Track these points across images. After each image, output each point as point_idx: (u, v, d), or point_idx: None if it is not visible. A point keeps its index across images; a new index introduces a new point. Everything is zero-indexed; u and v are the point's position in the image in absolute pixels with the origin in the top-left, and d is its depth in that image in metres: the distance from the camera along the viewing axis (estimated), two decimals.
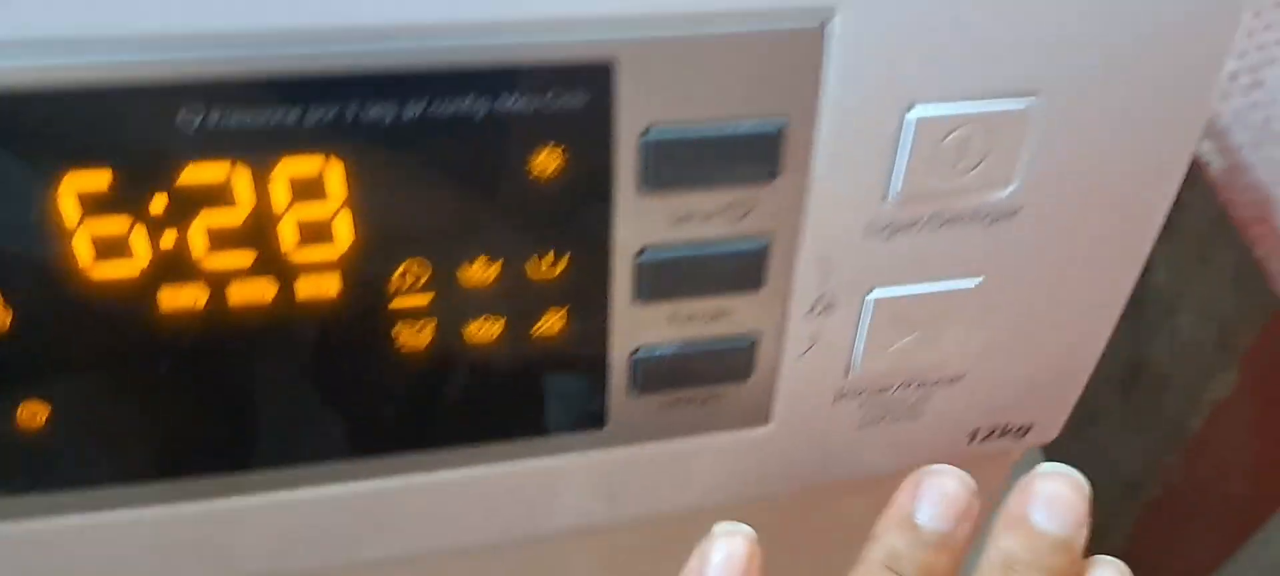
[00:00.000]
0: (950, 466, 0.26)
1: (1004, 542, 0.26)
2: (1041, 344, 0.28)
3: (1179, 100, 0.24)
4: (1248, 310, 0.67)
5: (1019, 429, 0.31)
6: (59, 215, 0.21)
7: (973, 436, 0.30)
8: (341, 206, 0.22)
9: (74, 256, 0.21)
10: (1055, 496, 0.25)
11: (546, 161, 0.22)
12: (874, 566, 0.26)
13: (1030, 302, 0.27)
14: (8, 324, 0.22)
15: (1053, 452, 0.94)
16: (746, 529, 0.25)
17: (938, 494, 0.26)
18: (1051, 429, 0.31)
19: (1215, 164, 0.50)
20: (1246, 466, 0.74)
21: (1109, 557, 0.27)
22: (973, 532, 0.26)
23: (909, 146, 0.23)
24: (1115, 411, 0.86)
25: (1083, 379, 0.30)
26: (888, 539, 0.26)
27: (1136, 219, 0.26)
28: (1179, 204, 0.39)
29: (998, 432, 0.30)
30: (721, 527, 0.25)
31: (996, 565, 0.26)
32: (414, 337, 0.24)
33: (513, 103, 0.21)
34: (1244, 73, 0.49)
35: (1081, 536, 0.26)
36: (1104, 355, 0.31)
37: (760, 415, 0.27)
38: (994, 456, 0.32)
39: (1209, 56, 0.23)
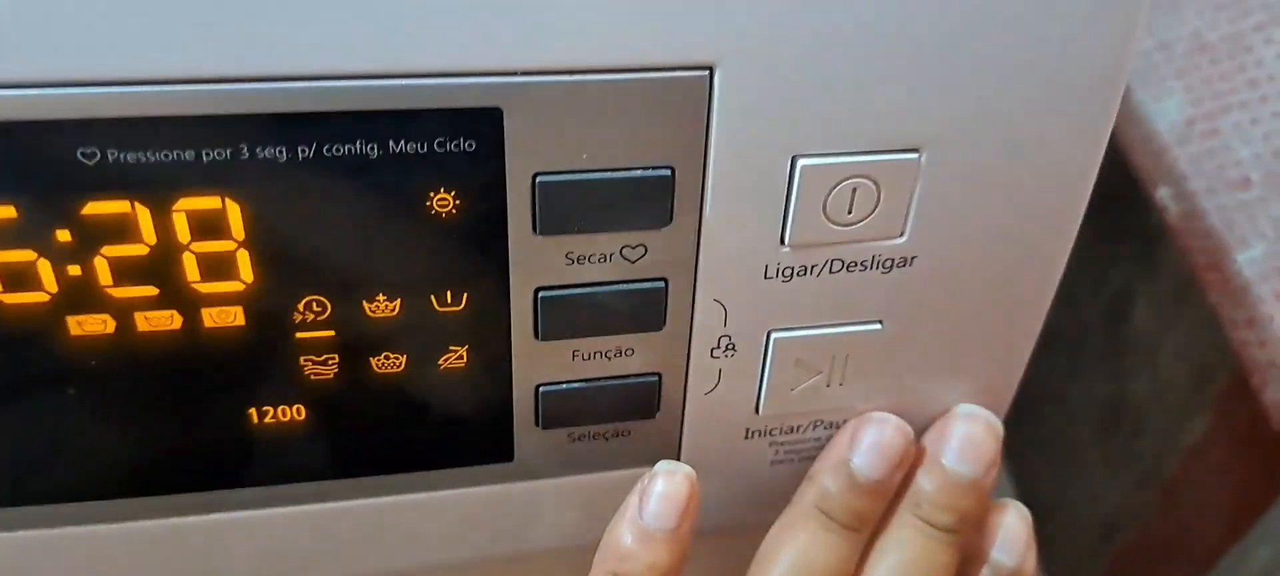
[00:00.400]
0: (890, 414, 0.27)
1: (916, 483, 0.27)
2: (951, 386, 0.29)
3: (1067, 150, 0.24)
4: (1222, 352, 0.67)
5: None
6: None
7: None
8: (241, 243, 0.23)
9: None
10: (968, 438, 0.27)
11: (442, 203, 0.23)
12: (806, 507, 0.27)
13: (936, 346, 0.27)
14: None
15: (1029, 491, 0.95)
16: (687, 467, 0.26)
17: (875, 441, 0.27)
18: None
19: (1172, 210, 0.50)
20: (1219, 507, 0.74)
21: (1014, 501, 0.28)
22: (904, 480, 0.27)
23: (797, 195, 0.23)
24: (1093, 452, 0.86)
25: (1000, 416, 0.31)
26: (822, 481, 0.27)
27: (1035, 263, 0.26)
28: (1160, 244, 0.39)
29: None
30: (663, 465, 0.26)
31: (908, 504, 0.27)
32: (319, 369, 0.25)
33: (406, 146, 0.22)
34: (1200, 120, 0.50)
35: (990, 477, 0.27)
36: (1082, 395, 0.32)
37: (669, 452, 0.28)
38: None
39: (1097, 109, 0.24)
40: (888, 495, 0.27)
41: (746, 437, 0.28)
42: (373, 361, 0.25)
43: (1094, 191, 0.25)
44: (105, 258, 0.22)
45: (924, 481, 0.27)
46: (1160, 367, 0.80)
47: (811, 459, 0.29)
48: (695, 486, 0.26)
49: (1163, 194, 0.50)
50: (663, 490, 0.25)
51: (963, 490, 0.27)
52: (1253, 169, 0.47)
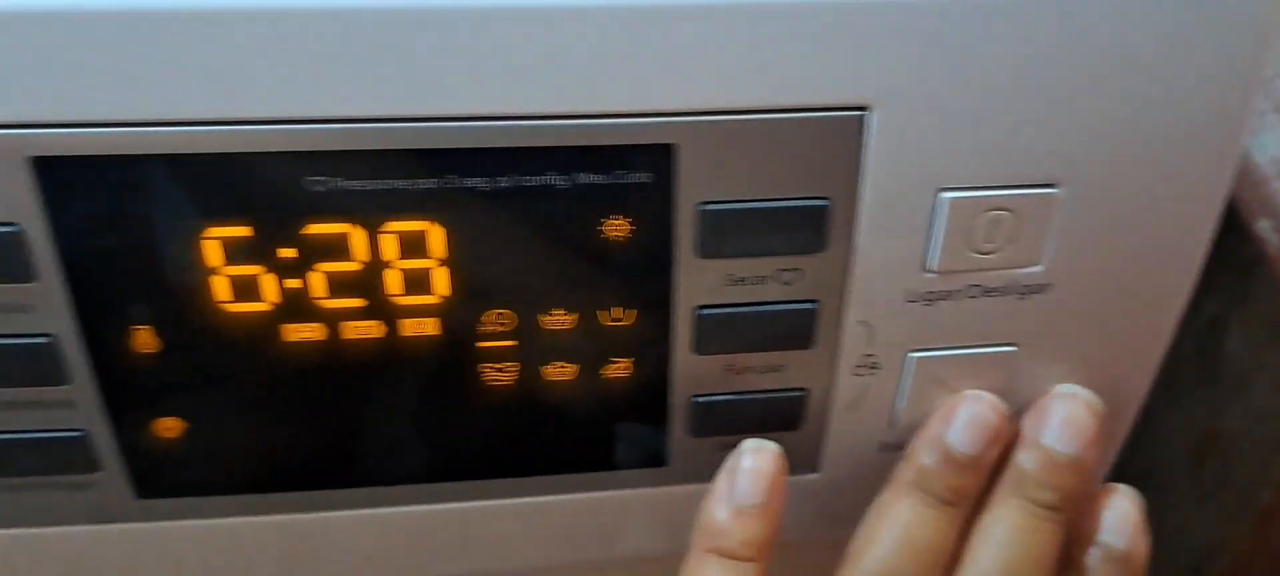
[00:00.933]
0: (985, 392, 0.28)
1: (1018, 462, 0.28)
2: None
3: (1195, 184, 0.26)
4: None
5: None
6: (205, 260, 0.24)
7: None
8: (440, 262, 0.25)
9: (215, 294, 0.25)
10: (1067, 417, 0.28)
11: (616, 227, 0.25)
12: (903, 486, 0.28)
13: (1066, 369, 0.29)
14: (156, 349, 0.25)
15: None
16: (772, 444, 0.27)
17: (969, 416, 0.28)
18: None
19: (1272, 242, 0.51)
20: None
21: (1128, 486, 0.29)
22: (1004, 462, 0.28)
23: (943, 225, 0.25)
24: (1185, 482, 0.86)
25: (1117, 443, 0.32)
26: (919, 458, 0.28)
27: (1161, 292, 0.28)
28: (1256, 275, 0.40)
29: None
30: (749, 444, 0.27)
31: (1009, 483, 0.28)
32: (499, 376, 0.27)
33: (590, 177, 0.24)
34: None
35: (1092, 455, 0.28)
36: (1175, 426, 0.33)
37: (810, 462, 0.30)
38: None
39: (1224, 143, 0.25)
40: (985, 471, 0.28)
41: (880, 450, 0.30)
42: (545, 370, 0.27)
43: None
44: (321, 273, 0.25)
45: (1025, 460, 0.28)
46: (1254, 398, 0.79)
47: None
48: (783, 461, 0.27)
49: (1263, 226, 0.51)
50: (752, 466, 0.27)
51: (1064, 467, 0.27)
52: None
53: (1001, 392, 0.29)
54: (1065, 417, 0.28)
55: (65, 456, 0.27)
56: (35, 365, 0.25)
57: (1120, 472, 0.35)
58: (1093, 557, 0.28)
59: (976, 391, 0.28)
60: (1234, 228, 0.51)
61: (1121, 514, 0.29)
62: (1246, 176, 0.52)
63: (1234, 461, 0.85)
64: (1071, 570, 0.28)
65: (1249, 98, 0.24)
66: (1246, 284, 0.78)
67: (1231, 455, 0.86)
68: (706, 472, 0.29)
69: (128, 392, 0.26)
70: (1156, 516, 0.98)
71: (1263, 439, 0.80)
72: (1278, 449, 0.79)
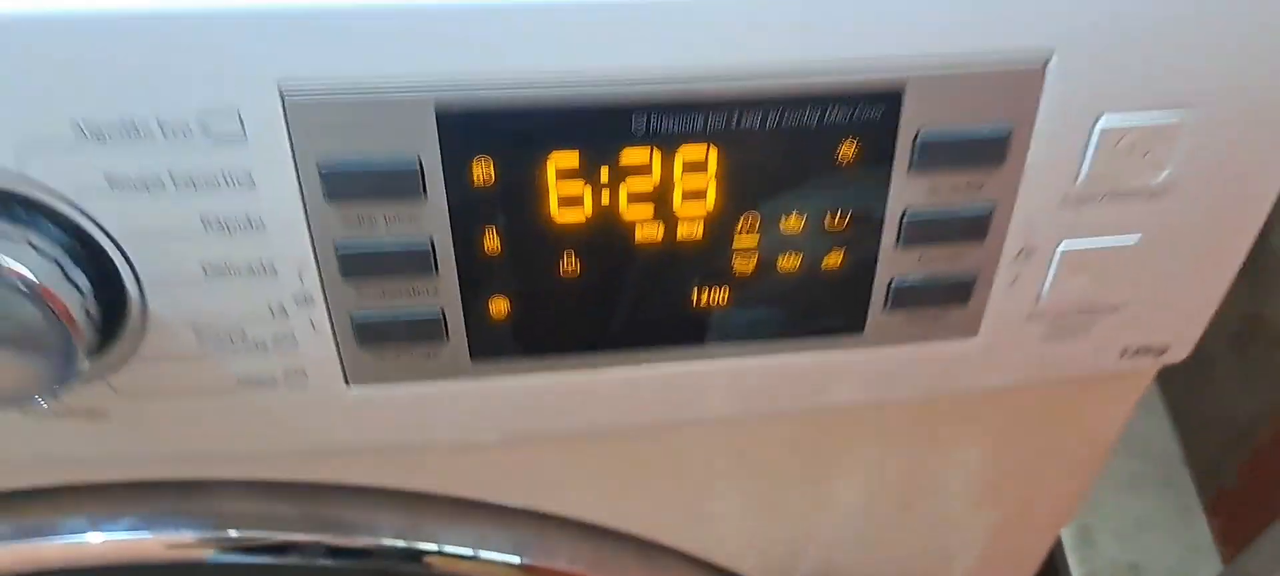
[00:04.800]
0: None
1: None
2: (1179, 286, 0.39)
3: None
4: None
5: (1158, 349, 0.41)
6: (545, 180, 0.33)
7: (1123, 353, 0.41)
8: (712, 175, 0.33)
9: (546, 207, 0.33)
10: None
11: (847, 151, 0.33)
12: None
13: (1173, 255, 0.37)
14: (499, 249, 0.34)
15: (1174, 400, 1.05)
16: None
17: None
18: (1182, 350, 0.42)
19: None
20: None
21: None
22: None
23: (1094, 148, 0.33)
24: (1231, 362, 0.95)
25: (1208, 315, 0.41)
26: None
27: (1253, 196, 0.36)
28: None
29: (1141, 351, 0.41)
30: None
31: None
32: (745, 264, 0.36)
33: (835, 115, 0.32)
34: None
35: None
36: (1222, 311, 0.41)
37: (972, 329, 0.39)
38: (1134, 371, 0.43)
39: None
40: None
41: (1027, 320, 0.39)
42: (779, 260, 0.36)
43: None
44: (626, 188, 0.33)
45: None
46: None
47: (1072, 337, 0.39)
48: None
49: None
50: None
51: None
52: None
53: (1119, 275, 0.38)
54: None
55: (425, 330, 0.35)
56: (416, 263, 0.34)
57: None
58: None
59: None
60: None
61: None
62: None
63: (1275, 343, 0.94)
64: None
65: None
66: None
67: (1273, 338, 0.95)
68: (894, 338, 0.38)
69: (475, 283, 0.35)
70: (1201, 394, 1.09)
71: None
72: None
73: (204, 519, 0.45)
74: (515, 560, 0.50)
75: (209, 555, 0.47)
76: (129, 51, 0.29)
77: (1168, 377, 0.92)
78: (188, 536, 0.44)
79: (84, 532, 0.44)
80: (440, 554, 0.49)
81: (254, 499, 0.46)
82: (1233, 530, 0.88)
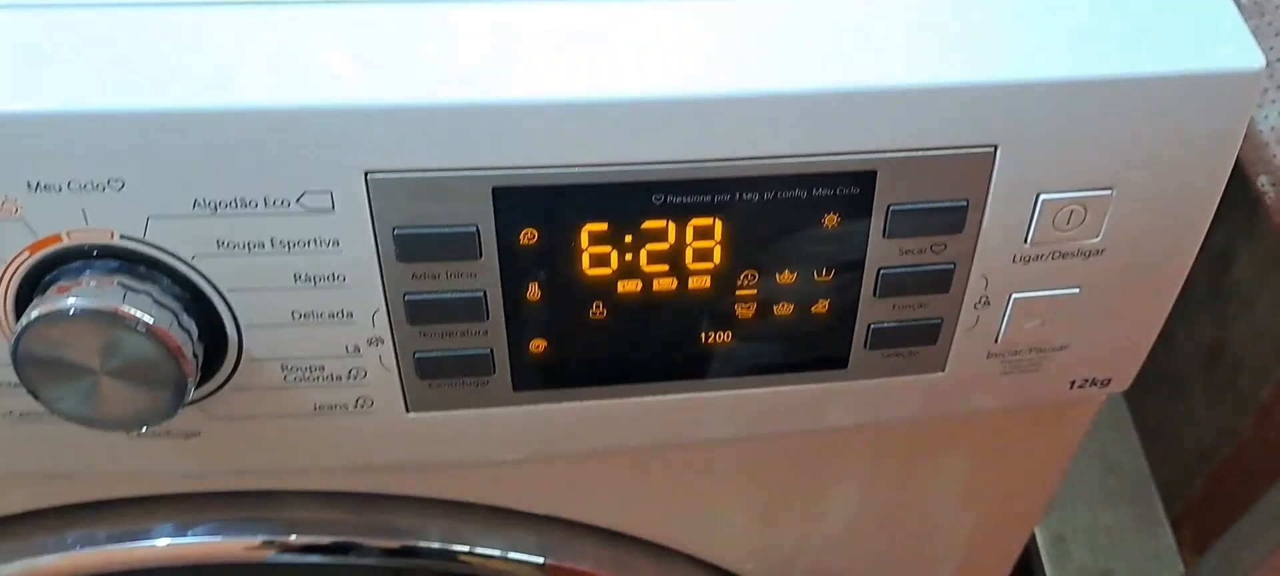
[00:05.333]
0: None
1: None
2: (1116, 329, 0.45)
3: (1193, 196, 0.40)
4: None
5: (1102, 381, 0.48)
6: (579, 244, 0.39)
7: (1072, 385, 0.47)
8: (718, 242, 0.40)
9: (581, 264, 0.40)
10: None
11: (831, 220, 0.40)
12: None
13: (1109, 304, 0.44)
14: (540, 298, 0.40)
15: (1146, 420, 1.12)
16: None
17: None
18: (1124, 383, 0.48)
19: (1270, 193, 0.65)
20: None
21: None
22: None
23: (1037, 217, 0.40)
24: (1199, 385, 1.01)
25: (1144, 352, 0.47)
26: None
27: (1175, 252, 0.43)
28: (1259, 213, 0.55)
29: (1088, 383, 0.48)
30: None
31: None
32: (744, 311, 0.42)
33: (820, 191, 0.39)
34: None
35: None
36: (1191, 336, 0.48)
37: (939, 365, 0.45)
38: (1084, 400, 0.49)
39: (1216, 164, 0.40)
40: None
41: (987, 358, 0.45)
42: (775, 308, 0.42)
43: None
44: (646, 250, 0.40)
45: None
46: (1257, 315, 0.95)
47: (1025, 372, 0.46)
48: None
49: (1263, 180, 0.66)
50: None
51: None
52: None
53: (1064, 321, 0.44)
54: None
55: (475, 366, 0.42)
56: (470, 310, 0.40)
57: (1141, 377, 0.50)
58: None
59: None
60: (1241, 176, 0.66)
61: None
62: (1252, 139, 0.67)
63: (1239, 367, 1.02)
64: None
65: (1233, 145, 0.39)
66: (1252, 221, 0.95)
67: (1237, 362, 1.03)
68: (873, 373, 0.44)
69: (518, 326, 0.41)
70: (1173, 414, 1.16)
71: (1264, 349, 0.97)
72: (1276, 357, 0.96)
73: (272, 523, 0.52)
74: (539, 560, 0.57)
75: (269, 555, 0.53)
76: (243, 142, 0.35)
77: (1142, 400, 0.99)
78: (257, 539, 0.51)
79: (169, 537, 0.51)
80: (471, 554, 0.56)
81: (316, 507, 0.52)
82: (1198, 539, 0.95)
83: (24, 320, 0.37)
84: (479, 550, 0.56)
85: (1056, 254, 0.42)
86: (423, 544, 0.54)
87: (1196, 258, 0.44)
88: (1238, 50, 0.38)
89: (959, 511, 0.62)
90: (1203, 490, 1.00)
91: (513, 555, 0.57)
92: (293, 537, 0.52)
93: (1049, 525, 0.86)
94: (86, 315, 0.37)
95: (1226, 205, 0.43)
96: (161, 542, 0.51)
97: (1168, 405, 1.03)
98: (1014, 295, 0.43)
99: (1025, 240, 0.41)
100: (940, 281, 0.42)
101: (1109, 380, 0.48)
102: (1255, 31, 0.42)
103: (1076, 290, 0.43)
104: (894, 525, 0.62)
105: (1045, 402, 0.48)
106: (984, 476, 0.60)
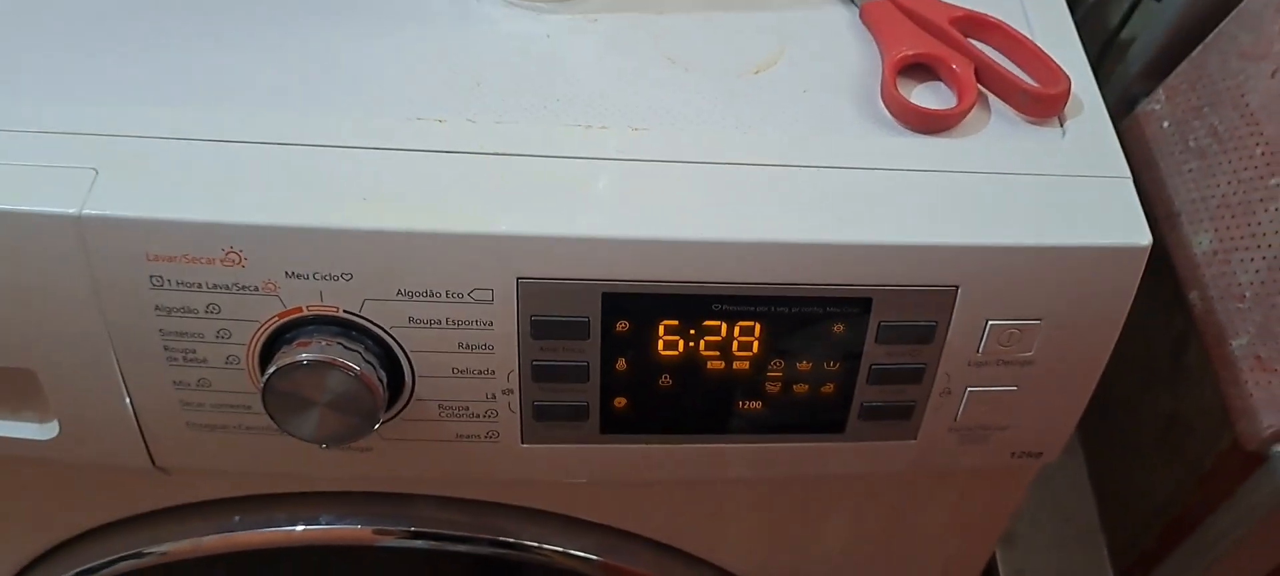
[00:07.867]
0: None
1: None
2: (1045, 416, 0.61)
3: (1104, 316, 0.56)
4: None
5: (1036, 452, 0.63)
6: (656, 333, 0.55)
7: (1012, 454, 0.63)
8: (756, 338, 0.56)
9: (656, 347, 0.56)
10: None
11: (836, 330, 0.56)
12: None
13: (1040, 398, 0.60)
14: (625, 368, 0.57)
15: (1106, 483, 1.29)
16: None
17: None
18: (1054, 453, 0.64)
19: (1198, 306, 0.80)
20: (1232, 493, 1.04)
21: None
22: None
23: (986, 336, 0.56)
24: (1155, 451, 1.17)
25: (1068, 433, 0.63)
26: None
27: (1088, 361, 0.58)
28: None
29: (1025, 453, 0.63)
30: None
31: None
32: (772, 387, 0.58)
33: (829, 309, 0.55)
34: (1220, 253, 0.79)
35: None
36: (1150, 409, 0.63)
37: (913, 435, 0.61)
38: (1023, 466, 0.65)
39: (1117, 303, 0.56)
40: None
41: (948, 431, 0.61)
42: (794, 387, 0.58)
43: (1166, 269, 0.56)
44: (704, 341, 0.56)
45: None
46: (1206, 394, 1.11)
47: (977, 442, 0.62)
48: None
49: (1193, 295, 0.81)
50: None
51: None
52: (1247, 289, 0.78)
53: (1005, 409, 0.60)
54: None
55: (576, 414, 0.58)
56: (578, 375, 0.56)
57: (1107, 444, 0.65)
58: None
59: None
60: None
61: None
62: (1186, 260, 0.83)
63: (1189, 437, 1.19)
64: None
65: (1129, 296, 0.55)
66: None
67: (1188, 433, 1.19)
68: (864, 438, 0.61)
69: (609, 387, 0.57)
70: (1130, 475, 1.33)
71: (1211, 422, 1.14)
72: (1221, 430, 1.13)
73: (404, 519, 0.68)
74: (594, 557, 0.73)
75: (389, 542, 0.70)
76: (440, 254, 0.52)
77: (1102, 463, 1.14)
78: (398, 528, 0.67)
79: (323, 525, 0.67)
80: (543, 548, 0.73)
81: (436, 508, 0.69)
82: None
83: (274, 365, 0.53)
84: (547, 546, 0.73)
85: (1000, 361, 0.58)
86: (512, 540, 0.71)
87: (1162, 339, 0.59)
88: (1131, 229, 0.54)
89: (929, 539, 0.78)
90: (1155, 542, 1.15)
91: (574, 552, 0.73)
92: (412, 529, 0.69)
93: (1009, 560, 1.01)
94: (317, 365, 0.53)
95: (1181, 299, 0.58)
96: (317, 527, 0.67)
97: (1130, 466, 1.18)
98: (969, 389, 0.59)
99: (978, 350, 0.57)
100: (915, 376, 0.58)
101: (1041, 452, 0.64)
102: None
103: (1015, 388, 0.59)
104: (874, 550, 0.78)
105: (992, 467, 0.64)
106: (949, 514, 0.75)
